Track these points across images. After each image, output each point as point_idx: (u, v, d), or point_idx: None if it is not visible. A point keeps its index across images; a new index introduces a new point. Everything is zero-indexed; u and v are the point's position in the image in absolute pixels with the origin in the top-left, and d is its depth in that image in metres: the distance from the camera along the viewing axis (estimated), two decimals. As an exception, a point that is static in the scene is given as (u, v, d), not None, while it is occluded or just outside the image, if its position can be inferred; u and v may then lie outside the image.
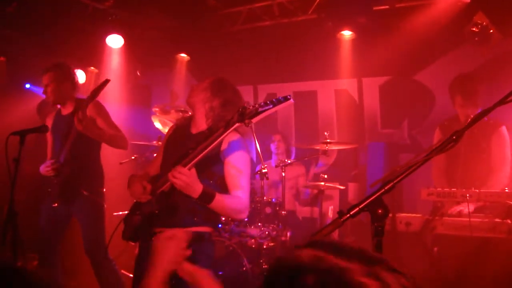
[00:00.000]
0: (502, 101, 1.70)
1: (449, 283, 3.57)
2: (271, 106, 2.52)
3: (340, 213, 1.43)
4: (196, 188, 2.54)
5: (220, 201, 2.62)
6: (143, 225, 2.83)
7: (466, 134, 4.07)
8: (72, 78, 4.21)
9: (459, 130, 1.61)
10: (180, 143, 2.89)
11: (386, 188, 1.45)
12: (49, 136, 4.25)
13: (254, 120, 2.51)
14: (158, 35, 6.03)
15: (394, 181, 1.47)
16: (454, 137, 1.60)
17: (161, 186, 2.73)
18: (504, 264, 3.17)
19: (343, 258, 0.92)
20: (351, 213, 1.41)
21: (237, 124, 2.53)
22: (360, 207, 1.42)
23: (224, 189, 2.76)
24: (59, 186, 3.98)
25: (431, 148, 1.63)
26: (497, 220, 3.40)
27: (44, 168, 3.99)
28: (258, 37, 6.01)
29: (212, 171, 2.77)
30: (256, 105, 2.51)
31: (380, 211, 1.42)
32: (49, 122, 4.20)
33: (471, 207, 3.54)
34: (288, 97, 2.56)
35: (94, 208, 4.12)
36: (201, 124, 2.90)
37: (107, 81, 3.83)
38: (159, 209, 2.74)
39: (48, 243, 4.14)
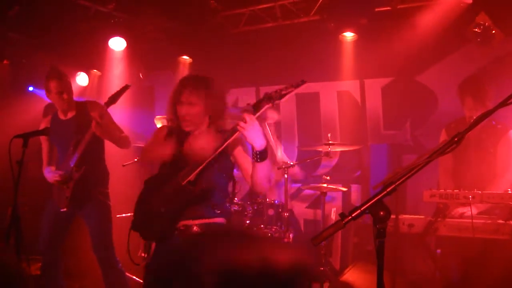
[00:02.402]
0: (504, 103, 1.69)
1: (452, 285, 3.56)
2: (292, 89, 2.76)
3: (342, 215, 1.43)
4: (263, 135, 2.76)
5: (267, 161, 2.84)
6: (165, 222, 2.88)
7: (474, 138, 4.10)
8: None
9: (461, 132, 1.62)
10: (180, 139, 3.07)
11: (387, 190, 1.46)
12: (45, 140, 4.26)
13: (282, 100, 2.76)
14: (161, 38, 6.04)
15: (396, 183, 1.48)
16: (456, 139, 1.61)
17: (187, 175, 2.82)
18: (507, 266, 3.17)
19: None
20: (352, 215, 1.42)
21: (266, 106, 2.73)
22: (361, 209, 1.42)
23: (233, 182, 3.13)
24: (69, 190, 4.00)
25: (434, 150, 1.63)
26: (500, 221, 3.39)
27: (53, 177, 4.02)
28: (260, 39, 6.02)
29: (223, 165, 2.99)
30: (278, 90, 2.74)
31: (382, 213, 1.43)
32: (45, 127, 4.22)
33: (475, 210, 3.53)
34: (304, 80, 2.83)
35: (102, 209, 4.16)
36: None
37: (127, 86, 3.91)
38: (185, 201, 2.85)
39: (51, 246, 4.16)
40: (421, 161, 1.56)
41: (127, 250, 3.16)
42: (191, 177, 2.82)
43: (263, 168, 2.82)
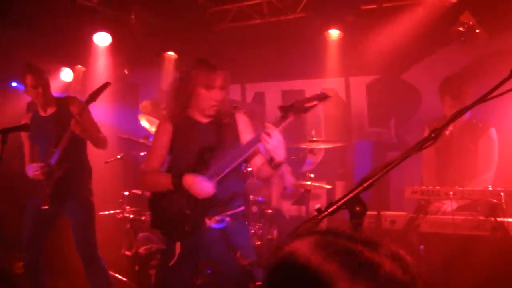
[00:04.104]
0: (482, 99, 1.70)
1: (435, 281, 3.59)
2: (317, 102, 2.74)
3: (319, 211, 1.42)
4: (285, 149, 2.80)
5: None
6: (193, 218, 2.90)
7: (456, 136, 4.12)
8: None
9: (437, 128, 1.62)
10: (195, 133, 3.04)
11: (364, 185, 1.45)
12: (27, 137, 4.21)
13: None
14: (146, 33, 5.99)
15: (373, 179, 1.47)
16: (433, 135, 1.61)
17: (219, 172, 2.85)
18: (488, 261, 3.20)
19: (349, 241, 0.93)
20: (329, 210, 1.41)
21: (290, 119, 2.75)
22: (338, 204, 1.42)
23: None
24: (50, 188, 3.95)
25: (411, 146, 1.63)
26: (481, 218, 3.42)
27: (33, 172, 3.97)
28: (247, 35, 6.00)
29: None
30: (301, 101, 2.74)
31: (358, 208, 1.42)
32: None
33: (454, 205, 3.56)
34: (328, 95, 2.77)
35: (85, 206, 4.12)
36: (202, 114, 3.04)
37: (107, 84, 3.86)
38: (213, 201, 2.89)
39: (34, 244, 4.12)
40: (398, 157, 1.55)
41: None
42: (218, 179, 2.86)
43: (275, 173, 2.93)
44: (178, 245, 2.95)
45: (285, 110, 2.77)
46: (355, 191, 1.44)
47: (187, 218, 2.90)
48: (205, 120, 3.06)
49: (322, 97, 2.73)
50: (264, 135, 2.71)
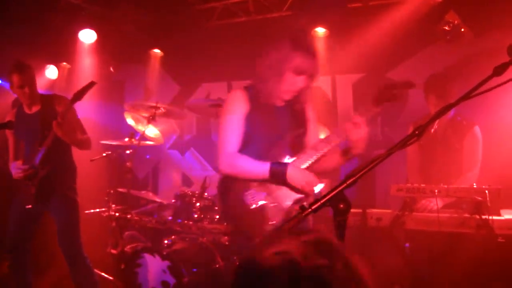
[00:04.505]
0: (466, 97, 1.71)
1: (420, 278, 3.61)
2: (405, 89, 2.71)
3: (302, 208, 1.42)
4: (366, 144, 2.72)
5: None
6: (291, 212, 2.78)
7: (440, 134, 4.14)
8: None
9: (421, 125, 1.62)
10: (273, 118, 2.84)
11: (348, 182, 1.46)
12: (11, 134, 4.16)
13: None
14: (132, 30, 5.95)
15: (357, 176, 1.47)
16: (417, 132, 1.61)
17: (304, 162, 2.75)
18: (472, 258, 3.22)
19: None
20: (312, 207, 1.41)
21: (377, 110, 2.68)
22: (321, 201, 1.42)
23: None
24: (33, 187, 3.91)
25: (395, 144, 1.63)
26: (465, 215, 3.45)
27: (16, 173, 3.93)
28: (233, 33, 5.99)
29: None
30: (389, 87, 2.66)
31: (341, 205, 1.42)
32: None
33: (440, 203, 3.58)
34: (413, 84, 2.67)
35: (69, 204, 4.09)
36: (278, 98, 2.85)
37: (92, 83, 3.82)
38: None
39: (19, 243, 4.07)
40: (381, 154, 1.56)
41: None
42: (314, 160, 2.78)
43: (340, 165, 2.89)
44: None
45: (374, 99, 2.67)
46: (339, 188, 1.44)
47: (282, 212, 2.72)
48: (279, 104, 2.87)
49: (408, 85, 2.67)
50: (351, 125, 2.62)
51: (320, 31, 5.50)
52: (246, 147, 2.82)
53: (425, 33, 5.06)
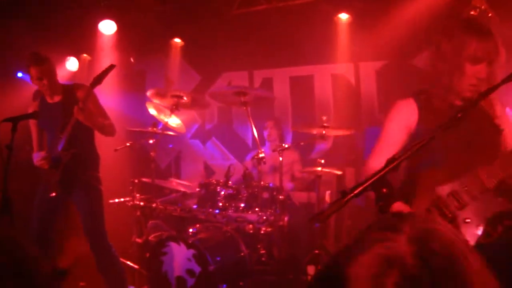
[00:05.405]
0: (509, 79, 1.65)
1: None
2: None
3: (343, 193, 1.38)
4: None
5: None
6: None
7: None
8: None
9: (464, 108, 1.57)
10: (484, 129, 2.31)
11: (390, 166, 1.41)
12: (34, 125, 4.19)
13: None
14: (152, 20, 5.93)
15: (399, 159, 1.43)
16: (459, 115, 1.56)
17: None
18: None
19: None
20: (354, 192, 1.37)
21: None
22: (364, 186, 1.37)
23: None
24: (57, 174, 3.94)
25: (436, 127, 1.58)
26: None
27: (39, 161, 3.95)
28: (254, 21, 5.93)
29: None
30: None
31: (384, 190, 1.38)
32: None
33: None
34: None
35: (94, 194, 4.10)
36: (457, 98, 2.33)
37: (112, 66, 3.80)
38: None
39: (42, 232, 4.10)
40: (423, 138, 1.51)
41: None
42: None
43: None
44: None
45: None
46: (381, 172, 1.40)
47: None
48: (457, 103, 2.32)
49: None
50: None
51: (343, 17, 5.41)
52: (422, 170, 2.29)
53: (451, 18, 4.94)
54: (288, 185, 5.28)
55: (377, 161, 2.28)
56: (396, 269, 0.72)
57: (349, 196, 1.38)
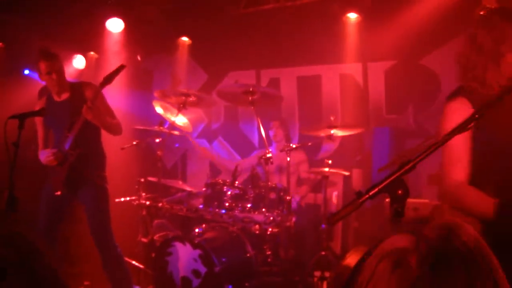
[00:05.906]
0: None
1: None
2: None
3: (359, 194, 1.35)
4: None
5: None
6: None
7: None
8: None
9: (481, 109, 1.54)
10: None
11: (406, 168, 1.38)
12: (40, 123, 4.18)
13: None
14: (159, 19, 5.92)
15: (415, 161, 1.40)
16: (476, 116, 1.53)
17: None
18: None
19: None
20: (370, 193, 1.34)
21: None
22: (379, 187, 1.34)
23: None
24: (63, 173, 3.93)
25: (452, 128, 1.54)
26: None
27: (46, 158, 3.94)
28: (261, 20, 5.90)
29: None
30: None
31: (400, 192, 1.35)
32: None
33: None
34: None
35: (100, 192, 4.09)
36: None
37: (122, 66, 3.81)
38: None
39: (48, 230, 4.09)
40: (439, 140, 1.48)
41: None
42: None
43: None
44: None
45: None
46: (397, 174, 1.37)
47: None
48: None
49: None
50: None
51: (352, 16, 5.37)
52: (483, 174, 2.16)
53: (461, 18, 4.89)
54: (299, 190, 5.25)
55: (461, 173, 2.15)
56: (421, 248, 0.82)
57: (364, 197, 1.35)
